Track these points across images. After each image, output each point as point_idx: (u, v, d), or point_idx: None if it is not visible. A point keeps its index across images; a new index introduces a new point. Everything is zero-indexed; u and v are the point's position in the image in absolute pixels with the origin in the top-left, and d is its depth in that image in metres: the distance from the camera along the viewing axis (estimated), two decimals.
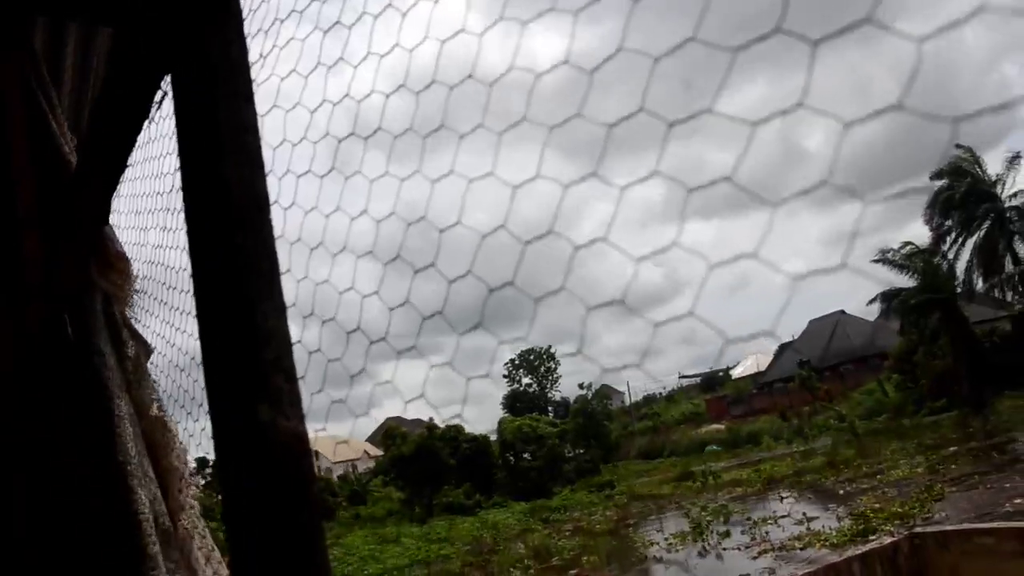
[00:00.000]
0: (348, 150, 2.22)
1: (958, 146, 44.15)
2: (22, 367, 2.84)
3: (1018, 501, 19.62)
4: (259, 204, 1.05)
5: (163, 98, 2.26)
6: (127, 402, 2.86)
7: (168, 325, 3.45)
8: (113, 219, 3.14)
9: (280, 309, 1.04)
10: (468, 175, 1.82)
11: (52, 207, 2.85)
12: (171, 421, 3.02)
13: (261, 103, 1.08)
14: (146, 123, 2.26)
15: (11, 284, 3.19)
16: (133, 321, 3.17)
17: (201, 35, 1.05)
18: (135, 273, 3.14)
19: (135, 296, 3.20)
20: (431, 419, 46.94)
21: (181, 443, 3.05)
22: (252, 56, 1.09)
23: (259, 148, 1.08)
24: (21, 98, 2.85)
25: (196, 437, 3.65)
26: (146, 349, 3.11)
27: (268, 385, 0.98)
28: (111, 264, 2.95)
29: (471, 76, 1.72)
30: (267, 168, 1.09)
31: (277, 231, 1.06)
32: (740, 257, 1.25)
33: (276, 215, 1.08)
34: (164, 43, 1.16)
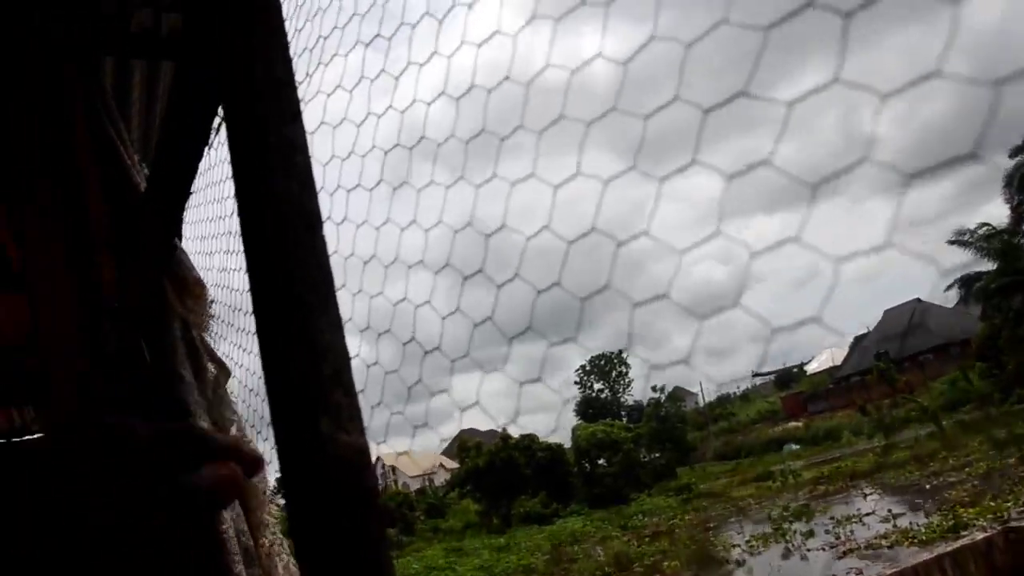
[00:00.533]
0: (404, 162, 2.23)
1: None
2: (101, 390, 2.92)
3: None
4: (310, 221, 1.07)
5: (220, 124, 2.30)
6: (208, 423, 2.91)
7: (237, 347, 3.51)
8: (183, 245, 3.22)
9: (336, 324, 1.06)
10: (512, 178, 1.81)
11: (124, 233, 2.94)
12: (249, 440, 3.08)
13: (310, 122, 1.10)
14: (206, 149, 2.31)
15: (87, 308, 3.29)
16: (211, 344, 3.24)
17: (247, 58, 1.08)
18: (210, 297, 3.21)
19: (209, 320, 3.26)
20: (504, 429, 47.05)
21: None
22: (299, 76, 1.10)
23: (308, 166, 1.10)
24: (90, 130, 2.95)
25: (267, 455, 3.70)
26: (225, 371, 3.16)
27: (327, 400, 1.00)
28: (188, 289, 3.02)
29: (507, 78, 1.71)
30: (319, 185, 1.11)
31: (336, 247, 1.08)
32: (785, 242, 1.21)
33: (331, 231, 1.10)
34: (215, 70, 1.18)
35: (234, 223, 2.58)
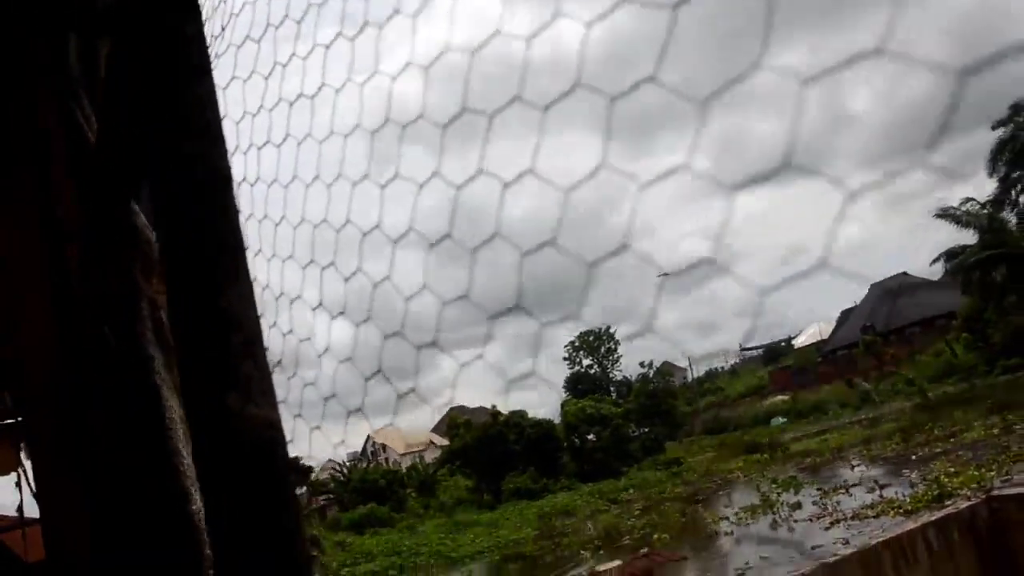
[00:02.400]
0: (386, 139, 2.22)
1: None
2: (73, 376, 2.87)
3: None
4: (221, 182, 1.01)
5: None
6: (179, 405, 2.90)
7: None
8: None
9: (248, 294, 1.01)
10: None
11: (92, 217, 2.89)
12: None
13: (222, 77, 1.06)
14: None
15: (57, 295, 3.24)
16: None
17: (153, 13, 1.03)
18: None
19: None
20: (494, 406, 47.20)
21: None
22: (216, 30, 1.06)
23: (219, 124, 1.02)
24: (58, 112, 2.89)
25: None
26: None
27: (238, 372, 0.95)
28: (154, 270, 2.98)
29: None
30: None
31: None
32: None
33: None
34: (140, 42, 1.12)
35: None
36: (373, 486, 47.60)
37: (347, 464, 53.21)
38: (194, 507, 2.64)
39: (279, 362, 3.79)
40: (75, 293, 2.91)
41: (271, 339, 3.72)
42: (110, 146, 2.25)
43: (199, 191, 0.98)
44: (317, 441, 3.59)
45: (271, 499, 0.92)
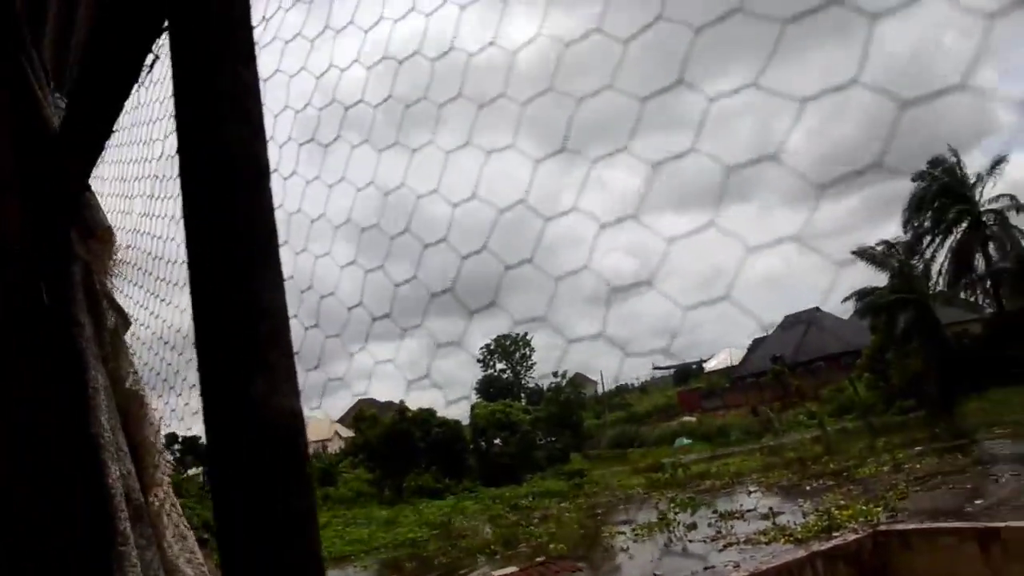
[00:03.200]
0: (329, 122, 2.18)
1: (946, 146, 44.67)
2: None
3: (979, 502, 19.91)
4: (259, 170, 1.01)
5: (154, 62, 2.18)
6: (103, 374, 2.79)
7: (153, 296, 3.38)
8: (97, 186, 3.06)
9: (278, 282, 1.00)
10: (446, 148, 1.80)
11: (32, 170, 2.77)
12: (147, 395, 2.96)
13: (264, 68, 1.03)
14: (136, 87, 2.17)
15: None
16: (114, 292, 3.09)
17: None
18: (117, 243, 3.05)
19: (116, 267, 3.12)
20: (402, 402, 46.89)
21: (157, 418, 2.98)
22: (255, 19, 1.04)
23: (260, 112, 1.04)
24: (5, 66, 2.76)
25: (179, 412, 3.60)
26: (125, 321, 3.03)
27: (264, 360, 0.95)
28: (93, 233, 2.87)
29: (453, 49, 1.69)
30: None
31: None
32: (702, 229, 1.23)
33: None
34: (186, 22, 1.08)
35: (162, 167, 2.47)
36: None
37: None
38: (109, 480, 2.54)
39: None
40: (8, 246, 2.79)
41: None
42: (83, 105, 2.17)
43: (237, 178, 0.98)
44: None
45: (293, 488, 0.93)
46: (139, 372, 3.08)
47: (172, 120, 2.49)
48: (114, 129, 2.38)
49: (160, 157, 2.58)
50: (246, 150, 1.01)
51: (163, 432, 3.16)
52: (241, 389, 0.93)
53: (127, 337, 3.09)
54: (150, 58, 2.08)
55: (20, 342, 2.71)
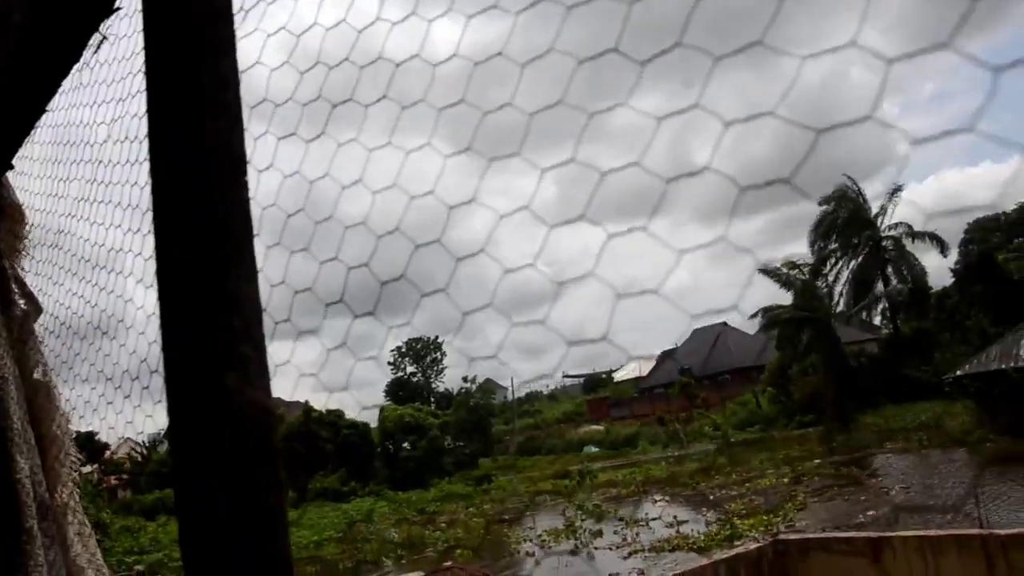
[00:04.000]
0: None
1: (844, 175, 46.45)
2: None
3: (872, 513, 20.70)
4: (237, 163, 1.00)
5: (101, 43, 2.08)
6: (11, 362, 2.67)
7: (86, 282, 3.23)
8: (25, 167, 2.91)
9: (251, 275, 0.99)
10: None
11: None
12: (55, 387, 2.85)
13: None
14: (77, 68, 2.07)
15: None
16: (24, 277, 2.94)
17: None
18: (29, 225, 2.93)
19: (27, 249, 2.96)
20: (307, 402, 46.11)
21: (63, 411, 2.87)
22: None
23: (239, 104, 1.02)
24: None
25: (80, 409, 3.46)
26: (36, 307, 2.91)
27: (237, 354, 0.93)
28: (3, 213, 2.72)
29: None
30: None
31: None
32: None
33: None
34: (166, 13, 1.05)
35: (105, 152, 2.36)
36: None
37: (147, 445, 50.52)
38: (17, 475, 2.41)
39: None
40: None
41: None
42: (12, 85, 2.05)
43: (215, 170, 0.97)
44: (116, 415, 3.39)
45: (264, 484, 0.91)
46: (48, 360, 2.95)
47: (119, 104, 2.41)
48: (47, 109, 2.28)
49: (105, 141, 2.47)
50: (224, 142, 1.00)
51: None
52: (213, 382, 0.92)
53: (37, 325, 2.94)
54: (96, 38, 1.98)
55: None
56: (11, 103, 2.16)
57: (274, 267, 2.06)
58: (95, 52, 2.24)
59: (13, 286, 2.77)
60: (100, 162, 2.57)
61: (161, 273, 0.99)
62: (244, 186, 1.00)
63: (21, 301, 2.79)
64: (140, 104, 2.21)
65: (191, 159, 0.98)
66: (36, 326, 2.90)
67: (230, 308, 0.95)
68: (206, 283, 0.95)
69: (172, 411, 0.96)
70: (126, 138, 2.30)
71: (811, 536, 13.36)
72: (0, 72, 2.61)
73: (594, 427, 62.28)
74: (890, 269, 50.03)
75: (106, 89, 2.46)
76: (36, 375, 2.77)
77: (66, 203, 2.93)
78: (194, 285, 0.96)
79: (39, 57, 1.95)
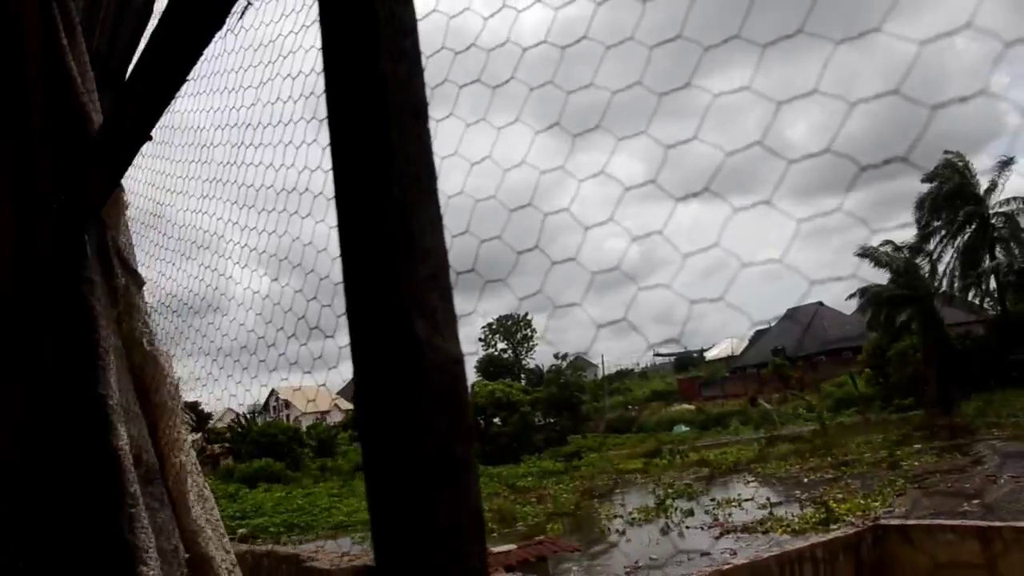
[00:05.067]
0: None
1: (947, 151, 44.59)
2: (22, 287, 2.74)
3: (976, 502, 20.01)
4: (417, 109, 0.98)
5: (246, 8, 2.16)
6: (115, 334, 2.77)
7: (193, 261, 3.40)
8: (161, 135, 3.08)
9: (437, 221, 0.97)
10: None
11: (60, 122, 2.78)
12: (163, 356, 2.91)
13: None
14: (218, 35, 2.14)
15: (23, 199, 3.12)
16: (130, 251, 3.05)
17: None
18: (127, 200, 3.04)
19: (130, 224, 3.09)
20: None
21: (173, 380, 2.94)
22: None
23: (418, 50, 1.01)
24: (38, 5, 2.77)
25: (186, 381, 3.59)
26: (137, 281, 2.98)
27: (425, 303, 0.91)
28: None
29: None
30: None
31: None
32: (713, 247, 1.28)
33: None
34: None
35: (252, 115, 2.48)
36: (272, 440, 46.99)
37: (248, 416, 52.31)
38: (117, 442, 2.53)
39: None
40: (40, 194, 2.78)
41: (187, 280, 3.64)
42: (154, 55, 2.16)
43: (396, 115, 0.95)
44: (220, 388, 3.53)
45: (454, 435, 0.89)
46: (155, 332, 3.06)
47: (267, 67, 2.51)
48: (188, 78, 2.28)
49: (252, 104, 2.56)
50: (404, 87, 0.97)
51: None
52: (401, 332, 0.89)
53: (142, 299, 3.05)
54: (241, 4, 2.07)
55: (30, 300, 2.70)
56: (153, 72, 2.16)
57: None
58: (240, 18, 2.28)
59: (115, 260, 2.86)
60: (250, 125, 2.66)
61: (343, 220, 0.97)
62: (426, 131, 0.98)
63: (121, 272, 2.88)
64: (292, 65, 2.27)
65: (368, 106, 0.96)
66: (140, 299, 2.99)
67: (416, 255, 0.92)
68: (390, 230, 0.92)
69: (358, 361, 0.94)
70: (278, 99, 2.30)
71: (914, 522, 13.10)
72: (143, 40, 2.74)
73: (685, 406, 61.67)
74: (999, 248, 47.86)
75: (252, 54, 2.49)
76: (143, 346, 2.87)
77: (211, 168, 3.05)
78: (378, 233, 0.93)
79: (182, 24, 1.93)
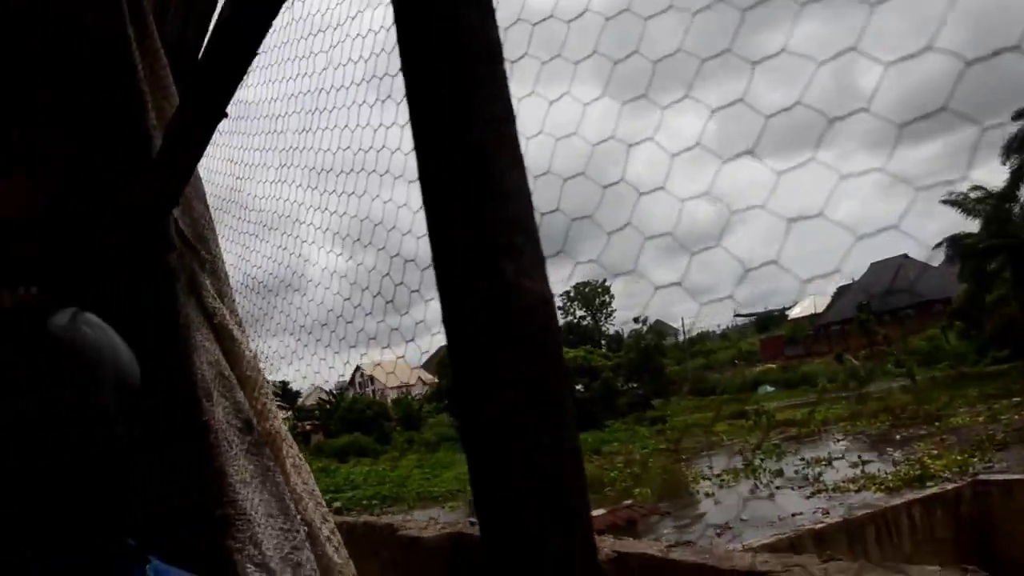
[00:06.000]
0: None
1: None
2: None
3: None
4: (492, 51, 0.97)
5: None
6: (194, 311, 2.82)
7: (268, 243, 3.44)
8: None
9: (518, 162, 0.95)
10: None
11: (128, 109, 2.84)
12: (238, 330, 2.94)
13: None
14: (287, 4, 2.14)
15: (93, 194, 3.20)
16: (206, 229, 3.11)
17: None
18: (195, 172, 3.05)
19: (193, 204, 3.11)
20: None
21: (251, 353, 2.98)
22: None
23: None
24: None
25: (272, 360, 3.63)
26: (200, 258, 3.01)
27: (510, 244, 0.90)
28: None
29: None
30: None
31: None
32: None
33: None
34: None
35: (325, 80, 2.50)
36: (359, 416, 48.04)
37: (334, 392, 53.56)
38: (205, 418, 2.57)
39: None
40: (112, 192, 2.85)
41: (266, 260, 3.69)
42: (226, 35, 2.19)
43: (469, 60, 0.94)
44: (306, 366, 3.57)
45: (550, 376, 0.88)
46: (232, 309, 3.09)
47: (336, 31, 2.52)
48: (259, 52, 2.29)
49: (325, 69, 2.58)
50: (476, 30, 0.96)
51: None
52: (490, 275, 0.89)
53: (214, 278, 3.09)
54: None
55: (120, 279, 2.71)
56: (225, 46, 2.17)
57: None
58: None
59: (177, 237, 2.89)
60: (323, 90, 2.66)
61: (423, 168, 0.97)
62: (501, 72, 0.97)
63: (187, 251, 2.92)
64: (358, 26, 2.28)
65: (440, 51, 0.95)
66: (206, 278, 3.01)
67: (499, 198, 0.92)
68: (472, 174, 0.92)
69: (447, 309, 0.93)
70: (349, 60, 2.29)
71: (1017, 477, 12.68)
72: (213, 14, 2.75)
73: (769, 366, 60.86)
74: None
75: (319, 18, 2.51)
76: (217, 320, 2.88)
77: (286, 138, 3.06)
78: (459, 177, 0.92)
79: None
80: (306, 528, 2.68)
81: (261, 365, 3.03)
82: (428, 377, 62.93)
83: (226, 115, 2.62)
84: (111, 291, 2.77)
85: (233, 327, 2.91)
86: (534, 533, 0.87)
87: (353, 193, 2.68)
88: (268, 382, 3.00)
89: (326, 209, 2.97)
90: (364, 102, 2.40)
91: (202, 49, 2.55)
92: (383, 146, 2.36)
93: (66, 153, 3.42)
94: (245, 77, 2.48)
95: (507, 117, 0.96)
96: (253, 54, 2.25)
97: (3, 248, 4.55)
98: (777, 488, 22.23)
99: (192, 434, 2.57)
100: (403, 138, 2.17)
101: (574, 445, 0.90)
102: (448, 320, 0.94)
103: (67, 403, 1.09)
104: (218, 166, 3.74)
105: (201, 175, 3.21)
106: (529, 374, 0.88)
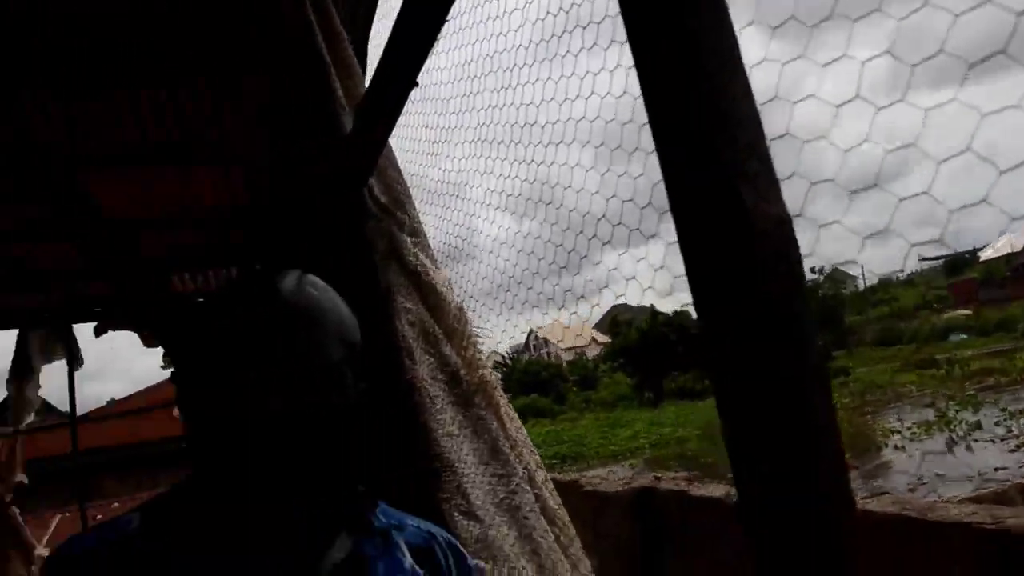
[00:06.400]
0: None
1: None
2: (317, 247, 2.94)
3: None
4: (729, 48, 0.99)
5: None
6: (395, 275, 2.90)
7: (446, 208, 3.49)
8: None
9: (747, 90, 0.97)
10: None
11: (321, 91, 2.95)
12: (441, 284, 2.99)
13: None
14: None
15: (297, 182, 3.35)
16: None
17: None
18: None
19: (386, 171, 3.15)
20: (652, 306, 46.86)
21: (456, 304, 3.02)
22: None
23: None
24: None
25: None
26: (397, 220, 3.05)
27: (746, 169, 0.92)
28: None
29: None
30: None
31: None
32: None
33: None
34: None
35: (521, 37, 2.54)
36: (535, 378, 48.89)
37: (511, 356, 54.67)
38: (408, 376, 2.66)
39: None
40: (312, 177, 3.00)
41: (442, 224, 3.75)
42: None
43: (708, 59, 0.97)
44: (488, 329, 3.62)
45: (792, 295, 0.91)
46: (432, 264, 3.12)
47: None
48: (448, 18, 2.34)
49: (519, 27, 2.54)
50: (709, 37, 0.99)
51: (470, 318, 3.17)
52: (728, 200, 0.91)
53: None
54: None
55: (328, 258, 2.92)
56: (414, 14, 2.23)
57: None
58: None
59: (375, 205, 2.97)
60: (522, 46, 2.65)
61: (653, 107, 0.99)
62: (724, 7, 0.99)
63: (383, 215, 2.99)
64: None
65: (684, 52, 0.98)
66: (403, 236, 3.04)
67: (732, 124, 0.93)
68: (704, 102, 0.94)
69: (685, 240, 0.96)
70: (547, 13, 2.30)
71: None
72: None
73: (960, 312, 57.16)
74: None
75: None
76: (421, 279, 2.94)
77: (485, 96, 3.08)
78: (691, 108, 0.95)
79: None
80: (525, 471, 2.76)
81: (465, 314, 3.07)
82: (602, 337, 63.15)
83: (416, 84, 2.71)
84: (315, 266, 2.94)
85: (437, 282, 2.97)
86: (779, 449, 0.90)
87: (533, 161, 2.69)
88: (475, 332, 3.04)
89: (500, 175, 3.01)
90: (569, 51, 2.36)
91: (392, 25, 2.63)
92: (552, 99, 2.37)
93: (271, 144, 3.66)
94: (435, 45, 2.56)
95: (732, 47, 0.97)
96: (443, 20, 2.30)
97: (222, 234, 4.94)
98: (975, 441, 20.94)
99: (397, 393, 2.70)
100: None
101: (816, 360, 0.92)
102: (687, 253, 0.97)
103: (301, 356, 1.17)
104: (413, 132, 3.83)
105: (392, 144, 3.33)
106: (771, 292, 0.90)
